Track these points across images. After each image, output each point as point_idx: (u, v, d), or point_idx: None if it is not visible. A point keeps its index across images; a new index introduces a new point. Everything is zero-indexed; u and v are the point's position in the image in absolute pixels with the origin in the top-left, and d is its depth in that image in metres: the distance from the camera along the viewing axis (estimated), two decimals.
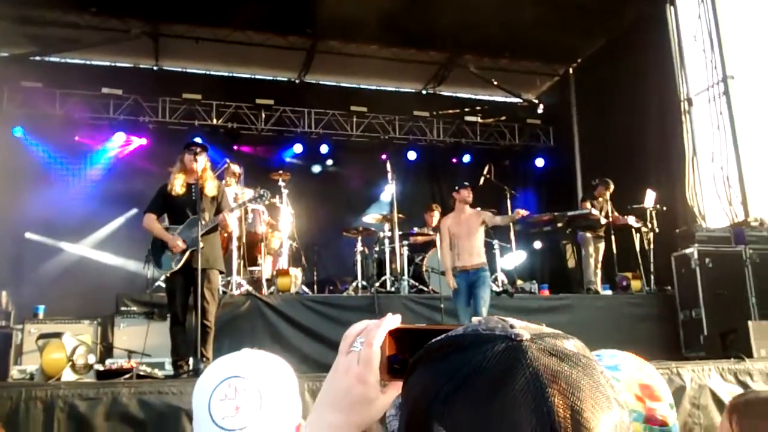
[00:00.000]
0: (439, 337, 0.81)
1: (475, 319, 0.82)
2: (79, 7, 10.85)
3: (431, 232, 9.65)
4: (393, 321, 0.94)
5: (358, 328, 0.97)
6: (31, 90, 11.21)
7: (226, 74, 13.05)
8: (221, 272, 6.22)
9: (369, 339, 0.93)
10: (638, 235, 9.46)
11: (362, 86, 13.79)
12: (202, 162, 5.92)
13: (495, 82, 13.32)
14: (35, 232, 10.71)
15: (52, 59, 11.81)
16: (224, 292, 7.68)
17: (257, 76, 13.24)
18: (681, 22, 11.02)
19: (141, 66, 12.59)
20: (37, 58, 11.59)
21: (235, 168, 8.46)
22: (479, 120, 13.62)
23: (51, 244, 10.76)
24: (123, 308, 7.20)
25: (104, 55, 12.07)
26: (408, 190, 11.68)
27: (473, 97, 14.35)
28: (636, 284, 9.21)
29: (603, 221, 9.39)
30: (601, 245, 9.56)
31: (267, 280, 8.37)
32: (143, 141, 11.84)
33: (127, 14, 11.21)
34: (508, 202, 9.68)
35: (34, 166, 11.07)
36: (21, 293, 9.18)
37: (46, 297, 8.87)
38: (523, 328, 0.77)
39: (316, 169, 12.85)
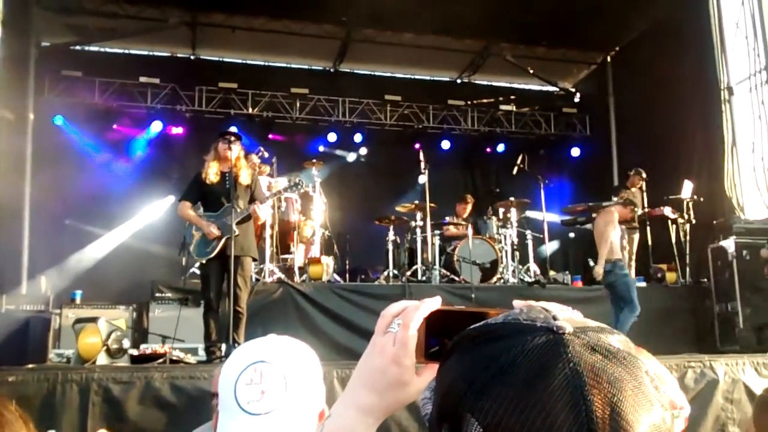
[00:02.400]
0: (478, 324, 0.78)
1: (518, 304, 0.80)
2: None
3: (462, 223, 9.63)
4: (433, 303, 0.91)
5: (396, 308, 0.93)
6: (71, 79, 11.45)
7: (261, 63, 13.15)
8: (254, 260, 6.30)
9: (407, 321, 0.89)
10: (674, 226, 9.33)
11: (396, 75, 13.81)
12: (236, 151, 6.00)
13: (531, 71, 13.21)
14: (75, 219, 10.93)
15: (92, 49, 12.04)
16: (257, 280, 7.78)
17: (292, 65, 13.34)
18: (723, 8, 10.76)
19: (178, 55, 12.77)
20: (77, 47, 11.82)
21: (254, 159, 8.47)
22: (514, 109, 13.54)
23: (90, 230, 10.99)
24: (158, 294, 7.35)
25: (142, 44, 12.25)
26: (441, 180, 11.58)
27: (508, 85, 14.26)
28: (671, 276, 9.08)
29: (638, 212, 9.27)
30: (636, 236, 9.44)
31: (299, 268, 8.44)
32: (180, 130, 12.03)
33: (164, 3, 11.36)
34: (542, 192, 9.61)
35: (74, 154, 11.31)
36: (60, 278, 9.42)
37: (83, 282, 9.13)
38: (567, 320, 0.74)
39: (350, 157, 12.91)
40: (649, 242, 9.23)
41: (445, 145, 13.20)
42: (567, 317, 0.75)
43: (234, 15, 11.68)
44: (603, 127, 13.47)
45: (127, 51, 12.41)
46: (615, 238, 7.46)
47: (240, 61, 13.02)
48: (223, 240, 5.86)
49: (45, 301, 7.99)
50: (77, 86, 11.49)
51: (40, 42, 11.33)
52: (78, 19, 11.39)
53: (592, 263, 7.79)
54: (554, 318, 0.74)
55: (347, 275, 9.66)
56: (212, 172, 6.00)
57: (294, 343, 1.64)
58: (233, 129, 11.44)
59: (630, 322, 6.99)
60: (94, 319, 5.39)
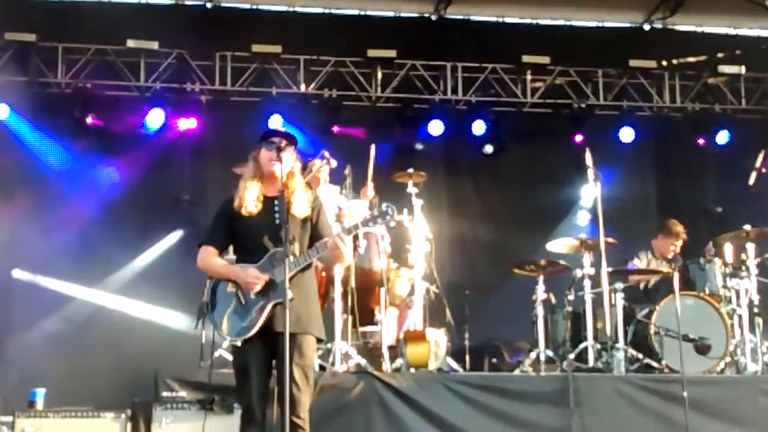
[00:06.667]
0: None
1: None
2: None
3: (664, 270, 9.46)
4: None
5: None
6: (20, 47, 11.76)
7: (319, 11, 13.31)
8: (319, 340, 6.31)
9: None
10: None
11: (541, 22, 13.79)
12: (288, 162, 5.99)
13: None
14: (27, 269, 11.23)
15: None
16: (322, 368, 7.81)
17: (368, 13, 13.48)
18: None
19: (187, 2, 13.02)
20: None
21: (323, 171, 8.51)
22: (743, 72, 13.31)
23: (52, 288, 11.27)
24: (166, 393, 7.41)
25: None
26: (622, 194, 11.47)
27: (732, 32, 14.05)
28: None
29: None
30: None
31: (390, 347, 8.43)
32: (192, 122, 12.22)
33: None
34: None
35: (26, 166, 11.67)
36: (8, 367, 9.69)
37: (46, 373, 9.33)
38: None
39: (467, 161, 12.95)
40: None
41: (626, 135, 13.01)
42: None
43: None
44: None
45: None
46: None
47: (285, 8, 13.17)
48: (268, 307, 5.89)
49: None
50: (31, 56, 11.83)
51: None
52: None
53: None
54: None
55: (468, 358, 9.61)
56: (251, 199, 6.01)
57: None
58: (277, 120, 11.88)
59: None
60: None
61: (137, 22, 12.33)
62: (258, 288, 5.78)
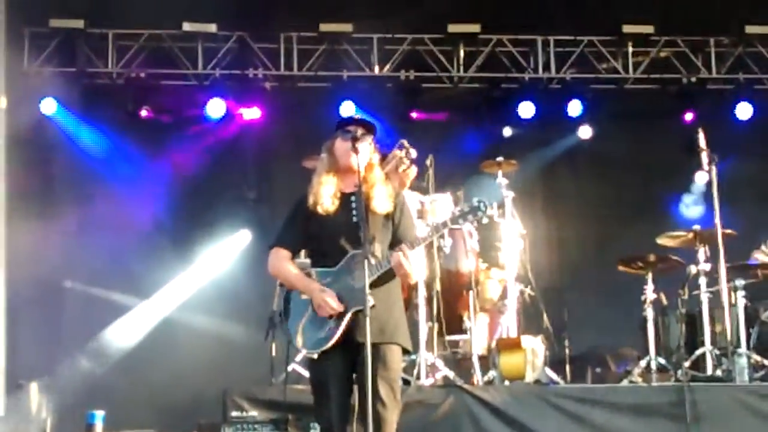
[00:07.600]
0: None
1: None
2: None
3: None
4: None
5: None
6: (67, 34, 11.95)
7: None
8: (406, 351, 6.33)
9: None
10: None
11: None
12: (366, 153, 6.01)
13: None
14: (81, 278, 11.40)
15: None
16: (407, 382, 7.83)
17: None
18: None
19: None
20: None
21: (409, 172, 8.51)
22: None
23: (108, 299, 11.45)
24: (235, 413, 7.48)
25: None
26: (741, 179, 11.35)
27: None
28: None
29: None
30: None
31: (481, 358, 8.45)
32: (256, 112, 12.36)
33: None
34: None
35: (74, 165, 11.88)
36: (63, 387, 9.85)
37: (105, 393, 9.49)
38: None
39: (562, 147, 12.92)
40: None
41: (744, 111, 12.82)
42: None
43: None
44: None
45: None
46: None
47: None
48: (348, 315, 5.91)
49: (39, 428, 8.36)
50: (78, 44, 11.99)
51: None
52: None
53: None
54: None
55: (569, 368, 9.60)
56: (327, 195, 6.01)
57: None
58: (350, 107, 11.92)
59: None
60: None
61: (193, 2, 12.20)
62: (331, 311, 5.76)
